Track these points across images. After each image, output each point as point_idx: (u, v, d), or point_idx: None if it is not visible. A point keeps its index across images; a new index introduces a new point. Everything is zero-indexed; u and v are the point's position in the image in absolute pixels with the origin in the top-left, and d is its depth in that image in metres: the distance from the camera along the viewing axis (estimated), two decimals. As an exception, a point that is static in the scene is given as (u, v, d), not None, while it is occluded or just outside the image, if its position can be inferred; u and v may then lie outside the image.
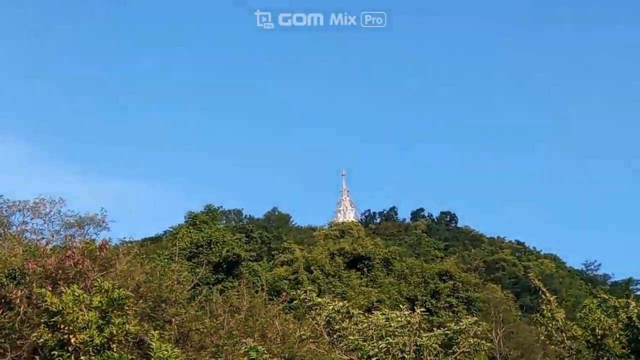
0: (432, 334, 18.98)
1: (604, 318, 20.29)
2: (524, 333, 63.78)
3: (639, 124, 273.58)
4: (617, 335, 20.01)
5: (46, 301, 17.69)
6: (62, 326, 17.46)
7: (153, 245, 66.35)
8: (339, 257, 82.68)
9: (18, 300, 21.17)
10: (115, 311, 17.92)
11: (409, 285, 77.24)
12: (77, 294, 17.83)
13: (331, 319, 20.05)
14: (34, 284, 21.37)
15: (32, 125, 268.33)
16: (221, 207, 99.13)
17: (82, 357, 17.18)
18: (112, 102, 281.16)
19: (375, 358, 18.33)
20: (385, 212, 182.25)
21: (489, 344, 19.92)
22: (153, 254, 48.02)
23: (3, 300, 21.49)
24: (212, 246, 65.37)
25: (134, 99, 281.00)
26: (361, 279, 79.99)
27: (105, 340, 17.49)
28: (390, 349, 18.34)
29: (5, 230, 39.45)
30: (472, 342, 19.06)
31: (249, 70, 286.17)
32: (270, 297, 41.68)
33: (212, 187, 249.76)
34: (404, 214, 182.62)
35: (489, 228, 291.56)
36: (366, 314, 20.23)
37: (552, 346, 21.85)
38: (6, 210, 41.43)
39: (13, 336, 20.66)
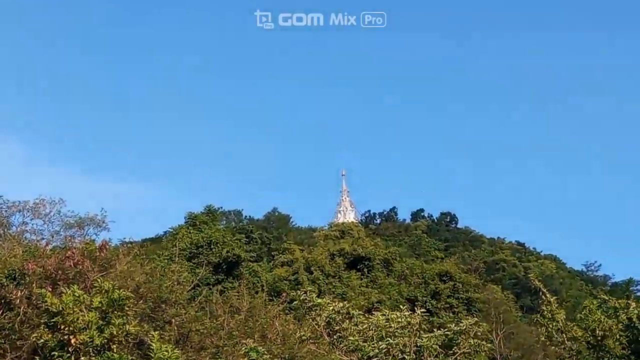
0: (432, 334, 18.97)
1: (604, 319, 20.26)
2: (524, 334, 63.75)
3: (637, 122, 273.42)
4: (618, 336, 19.99)
5: (46, 302, 17.68)
6: (62, 327, 17.45)
7: (153, 246, 66.40)
8: (339, 257, 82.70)
9: (18, 300, 21.16)
10: (115, 312, 17.91)
11: (409, 285, 77.25)
12: (77, 295, 17.82)
13: (331, 320, 20.04)
14: (34, 285, 21.36)
15: (32, 126, 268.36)
16: (221, 207, 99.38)
17: (82, 358, 17.17)
18: (112, 102, 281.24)
19: (376, 359, 18.32)
20: (385, 212, 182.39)
21: (489, 345, 19.90)
22: (153, 254, 48.07)
23: (3, 301, 21.48)
24: (212, 247, 65.40)
25: (134, 98, 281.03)
26: (361, 279, 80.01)
27: (106, 340, 17.48)
28: (391, 349, 18.34)
29: (5, 230, 39.44)
30: (472, 342, 19.05)
31: (248, 70, 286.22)
32: (270, 298, 41.69)
33: (212, 188, 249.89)
34: (404, 215, 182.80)
35: (489, 229, 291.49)
36: (366, 314, 20.22)
37: (553, 347, 21.82)
38: (6, 211, 41.43)
39: (13, 337, 20.65)
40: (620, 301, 20.87)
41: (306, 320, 25.74)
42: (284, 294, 41.28)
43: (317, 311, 20.36)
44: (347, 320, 19.82)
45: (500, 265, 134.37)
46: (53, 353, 17.36)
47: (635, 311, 19.94)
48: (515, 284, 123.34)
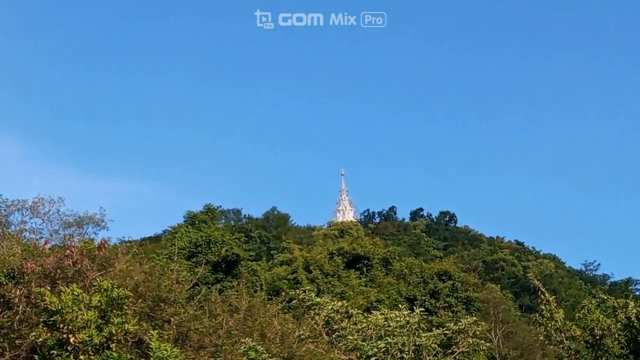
0: (431, 333, 19.00)
1: (602, 318, 20.30)
2: (523, 333, 63.72)
3: (638, 122, 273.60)
4: (616, 336, 20.03)
5: (45, 300, 17.68)
6: (61, 326, 17.44)
7: (152, 245, 66.48)
8: (338, 256, 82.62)
9: (17, 299, 21.15)
10: (114, 311, 17.91)
11: (408, 285, 77.24)
12: (76, 294, 17.82)
13: (330, 319, 20.08)
14: (33, 284, 21.35)
15: (31, 125, 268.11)
16: (220, 206, 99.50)
17: (81, 357, 17.17)
18: (112, 101, 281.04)
19: (375, 358, 18.34)
20: (384, 211, 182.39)
21: (488, 344, 19.95)
22: (152, 253, 48.02)
23: (2, 300, 21.49)
24: (211, 246, 65.41)
25: (134, 98, 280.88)
26: (360, 278, 79.93)
27: (105, 339, 17.48)
28: (389, 348, 18.36)
29: (4, 229, 39.42)
30: (471, 342, 19.08)
31: (248, 70, 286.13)
32: (269, 297, 41.69)
33: (211, 187, 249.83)
34: (403, 214, 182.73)
35: (489, 228, 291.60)
36: (365, 313, 20.26)
37: (551, 346, 21.87)
38: (5, 210, 41.39)
39: (12, 335, 20.65)
40: (619, 300, 20.90)
41: (305, 319, 25.76)
42: (283, 293, 41.26)
43: (316, 310, 20.41)
44: (346, 320, 19.85)
45: (499, 264, 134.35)
46: (52, 352, 17.36)
47: (634, 310, 19.97)
48: (514, 283, 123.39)
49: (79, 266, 22.58)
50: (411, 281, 77.96)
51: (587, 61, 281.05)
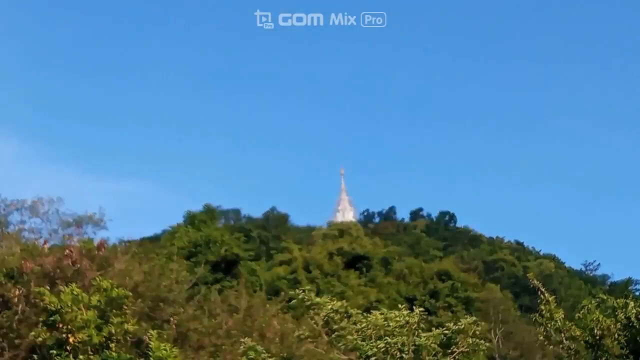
0: (430, 333, 18.99)
1: (602, 318, 20.25)
2: (522, 333, 63.81)
3: (638, 120, 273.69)
4: (616, 336, 19.99)
5: (44, 300, 17.67)
6: (60, 325, 17.44)
7: (151, 245, 66.34)
8: (337, 256, 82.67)
9: (16, 299, 21.15)
10: (113, 310, 17.91)
11: (408, 285, 77.31)
12: (75, 293, 17.81)
13: (330, 319, 20.06)
14: (32, 283, 21.35)
15: (31, 124, 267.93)
16: (220, 206, 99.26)
17: (80, 357, 17.16)
18: (112, 101, 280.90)
19: (374, 358, 18.32)
20: (384, 211, 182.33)
21: (487, 344, 19.96)
22: (151, 253, 47.97)
23: (1, 300, 21.48)
24: (210, 246, 65.41)
25: (134, 98, 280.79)
26: (360, 278, 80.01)
27: (104, 339, 17.48)
28: (389, 348, 18.34)
29: (3, 229, 39.37)
30: (470, 342, 19.08)
31: (248, 70, 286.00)
32: (269, 297, 41.71)
33: (211, 187, 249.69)
34: (403, 214, 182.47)
35: (488, 228, 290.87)
36: (365, 313, 20.22)
37: (551, 346, 21.82)
38: (4, 210, 41.34)
39: (11, 335, 20.64)
40: (618, 300, 20.86)
41: (305, 319, 25.73)
42: (283, 293, 41.27)
43: (316, 310, 20.38)
44: (346, 320, 19.83)
45: (499, 264, 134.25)
46: (51, 351, 17.35)
47: (634, 310, 19.93)
48: (513, 283, 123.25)
49: (78, 266, 22.59)
50: (411, 281, 78.04)
51: (587, 61, 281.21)
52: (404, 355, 18.27)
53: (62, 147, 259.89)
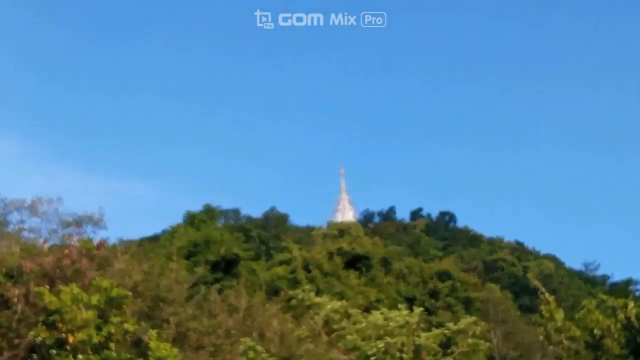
0: (430, 333, 19.03)
1: (602, 318, 20.26)
2: (522, 333, 63.73)
3: (638, 118, 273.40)
4: (616, 336, 19.99)
5: (44, 300, 17.66)
6: (60, 325, 17.43)
7: (151, 245, 66.35)
8: (337, 256, 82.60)
9: (15, 299, 21.11)
10: (113, 310, 17.90)
11: (408, 285, 77.26)
12: (75, 293, 17.80)
13: (329, 319, 20.09)
14: (32, 283, 21.32)
15: (31, 123, 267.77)
16: (219, 206, 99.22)
17: (80, 356, 17.15)
18: (112, 100, 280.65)
19: (374, 358, 18.34)
20: (384, 211, 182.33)
21: (487, 344, 19.96)
22: (151, 253, 47.98)
23: (0, 299, 21.45)
24: (210, 245, 65.42)
25: (133, 98, 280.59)
26: (360, 278, 79.92)
27: (104, 339, 17.46)
28: (389, 348, 18.37)
29: (3, 229, 39.37)
30: (470, 342, 19.12)
31: (248, 70, 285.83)
32: (269, 297, 41.62)
33: (211, 187, 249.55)
34: (403, 214, 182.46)
35: (488, 228, 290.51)
36: (364, 313, 20.26)
37: (551, 346, 21.83)
38: (3, 209, 41.34)
39: (10, 335, 20.60)
40: (618, 301, 20.86)
41: (304, 319, 25.73)
42: (282, 293, 41.21)
43: (316, 310, 20.39)
44: (346, 319, 19.86)
45: (499, 264, 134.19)
46: (51, 351, 17.34)
47: (634, 311, 19.94)
48: (514, 283, 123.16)
49: (78, 265, 22.56)
50: (411, 281, 77.99)
51: (588, 61, 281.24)
52: (403, 355, 18.30)
53: (62, 146, 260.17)
